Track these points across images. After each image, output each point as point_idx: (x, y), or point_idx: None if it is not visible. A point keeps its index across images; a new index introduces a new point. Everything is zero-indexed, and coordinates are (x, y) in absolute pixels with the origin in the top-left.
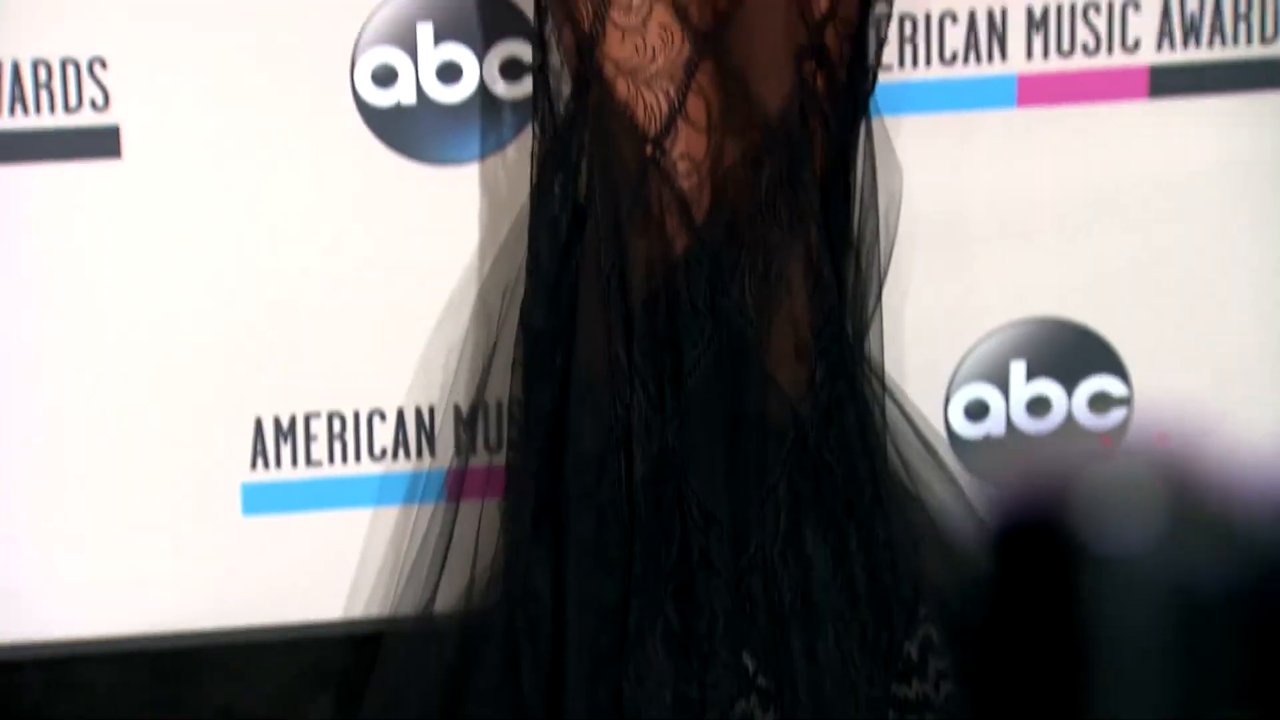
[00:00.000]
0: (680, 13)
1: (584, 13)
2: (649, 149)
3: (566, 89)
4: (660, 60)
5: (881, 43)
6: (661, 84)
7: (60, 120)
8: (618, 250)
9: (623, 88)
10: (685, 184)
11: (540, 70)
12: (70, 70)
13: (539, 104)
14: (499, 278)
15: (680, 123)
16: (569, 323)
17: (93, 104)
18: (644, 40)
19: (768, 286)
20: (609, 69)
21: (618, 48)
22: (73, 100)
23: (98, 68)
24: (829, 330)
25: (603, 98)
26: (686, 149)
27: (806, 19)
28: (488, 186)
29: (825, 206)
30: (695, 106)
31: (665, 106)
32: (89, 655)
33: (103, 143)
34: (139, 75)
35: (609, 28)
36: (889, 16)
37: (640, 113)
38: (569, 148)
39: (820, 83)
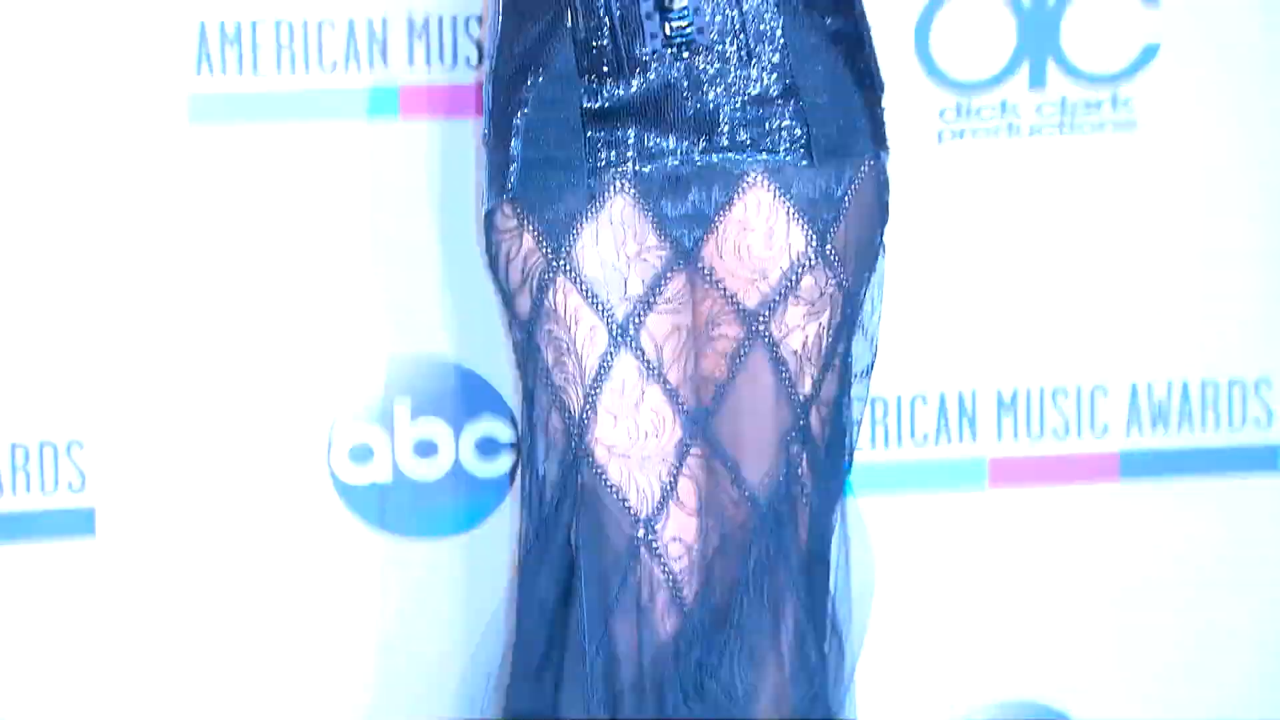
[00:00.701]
0: (672, 396)
1: (573, 398)
2: (640, 530)
3: (552, 471)
4: (652, 444)
5: (857, 423)
6: (654, 466)
7: (37, 501)
8: (605, 633)
9: (615, 471)
10: (676, 566)
11: (527, 453)
12: (48, 453)
13: (526, 486)
14: (482, 660)
15: (671, 505)
16: (553, 709)
17: (69, 486)
18: (636, 424)
19: (754, 669)
20: (600, 452)
21: (610, 432)
22: (49, 483)
23: (75, 450)
24: (815, 712)
25: (594, 481)
26: (678, 531)
27: (793, 400)
28: (465, 564)
29: (809, 588)
30: (686, 488)
31: (658, 489)
32: None
33: (78, 523)
34: (115, 457)
35: (600, 412)
36: (865, 398)
37: (633, 496)
38: (555, 530)
39: (804, 464)
